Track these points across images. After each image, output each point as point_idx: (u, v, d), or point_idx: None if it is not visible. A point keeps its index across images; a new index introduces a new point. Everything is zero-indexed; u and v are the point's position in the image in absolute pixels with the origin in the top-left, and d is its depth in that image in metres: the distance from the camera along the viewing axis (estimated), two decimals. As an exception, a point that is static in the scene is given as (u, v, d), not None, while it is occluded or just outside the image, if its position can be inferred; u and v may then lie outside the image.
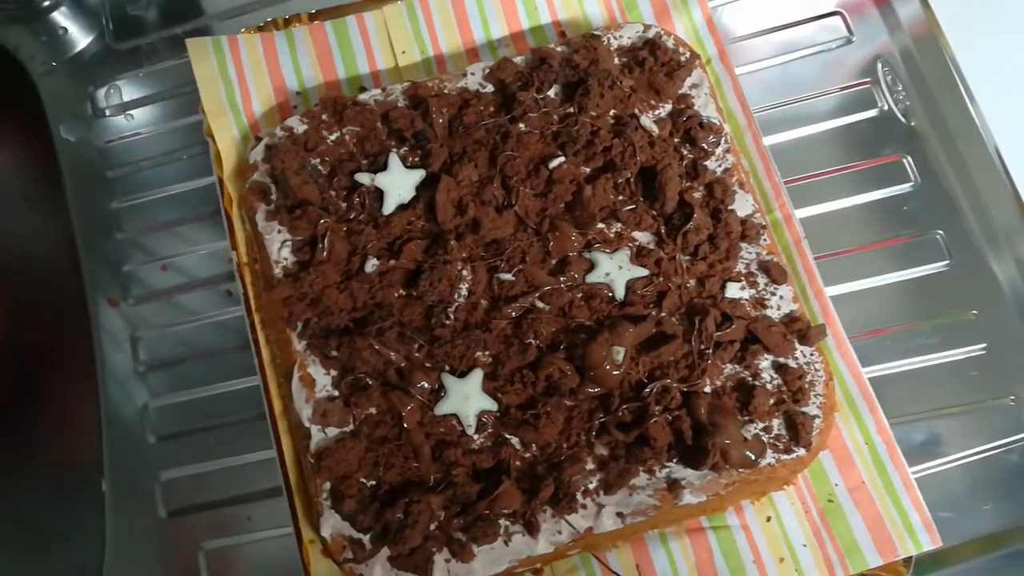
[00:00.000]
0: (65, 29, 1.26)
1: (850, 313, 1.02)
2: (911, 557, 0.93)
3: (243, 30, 1.16)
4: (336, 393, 0.92)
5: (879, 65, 1.19)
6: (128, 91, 1.24)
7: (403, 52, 1.15)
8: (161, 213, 1.17)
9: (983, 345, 1.07)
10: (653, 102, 1.04)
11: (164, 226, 1.17)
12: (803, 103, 1.18)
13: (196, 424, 1.07)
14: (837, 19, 1.23)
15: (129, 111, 1.23)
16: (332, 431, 0.91)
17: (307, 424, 0.91)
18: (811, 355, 0.95)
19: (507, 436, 0.90)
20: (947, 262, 1.10)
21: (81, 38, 1.26)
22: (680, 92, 1.05)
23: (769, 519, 0.95)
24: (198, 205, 1.15)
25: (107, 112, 1.23)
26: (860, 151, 1.15)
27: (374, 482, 0.89)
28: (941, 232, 1.12)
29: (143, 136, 1.21)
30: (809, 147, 1.16)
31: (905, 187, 1.14)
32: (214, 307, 1.11)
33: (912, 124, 1.16)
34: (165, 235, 1.16)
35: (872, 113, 1.17)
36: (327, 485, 0.89)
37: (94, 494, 1.03)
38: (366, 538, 0.87)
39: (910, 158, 1.15)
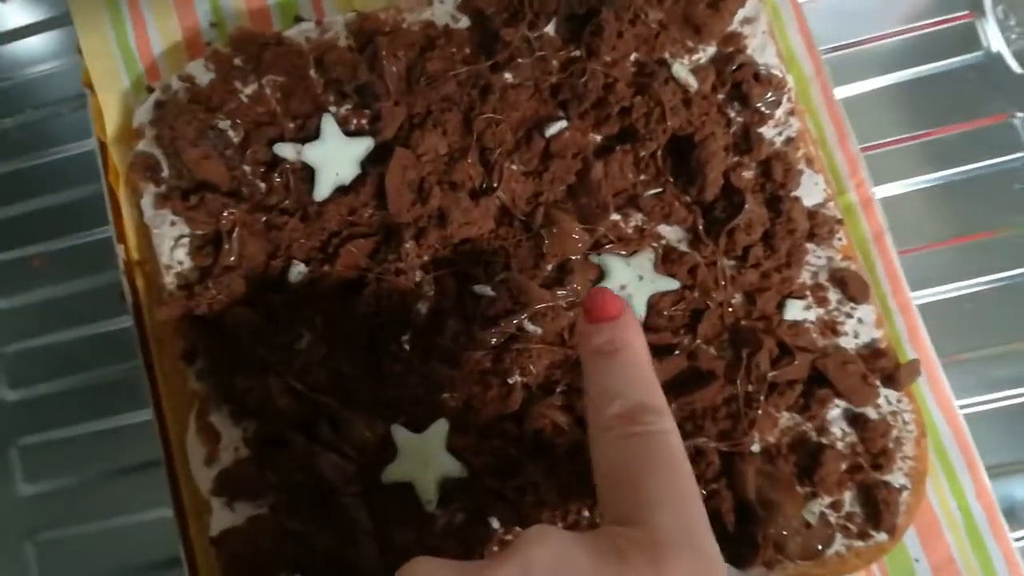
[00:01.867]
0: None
1: (939, 329, 0.84)
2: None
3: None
4: (248, 451, 0.74)
5: None
6: None
7: None
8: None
9: None
10: (690, 44, 0.83)
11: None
12: (881, 43, 0.98)
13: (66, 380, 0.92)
14: None
15: None
16: (243, 507, 0.73)
17: (206, 496, 0.73)
18: (898, 402, 0.77)
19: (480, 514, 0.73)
20: None
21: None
22: (728, 30, 0.83)
23: None
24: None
25: None
26: (957, 108, 0.96)
27: None
28: None
29: (11, 83, 1.00)
30: (887, 103, 0.97)
31: (1017, 158, 0.94)
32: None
33: None
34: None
35: (975, 57, 0.97)
36: None
37: None
38: None
39: None
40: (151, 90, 0.82)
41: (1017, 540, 0.80)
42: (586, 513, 0.72)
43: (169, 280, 0.76)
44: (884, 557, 0.78)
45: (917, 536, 0.80)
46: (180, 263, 0.77)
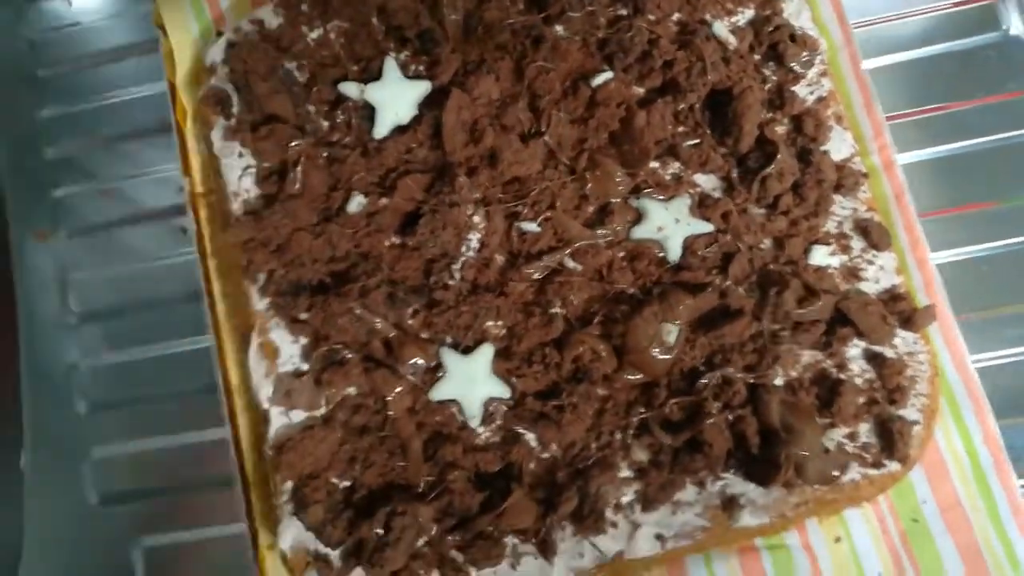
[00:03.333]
0: None
1: (952, 288, 0.88)
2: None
3: None
4: (305, 367, 0.81)
5: None
6: None
7: None
8: (104, 126, 1.03)
9: None
10: (730, 5, 0.89)
11: (107, 142, 1.03)
12: (906, 21, 1.02)
13: (136, 392, 0.95)
14: None
15: None
16: (298, 415, 0.79)
17: (266, 405, 0.78)
18: (914, 343, 0.82)
19: (521, 432, 0.79)
20: None
21: (10, -100, 1.12)
22: None
23: (839, 540, 0.83)
24: (150, 118, 1.00)
25: None
26: (978, 84, 1.00)
27: (348, 484, 0.78)
28: None
29: (85, 27, 1.06)
30: (913, 76, 1.01)
31: None
32: (164, 246, 0.98)
33: None
34: (108, 153, 1.03)
35: (994, 36, 1.02)
36: (288, 485, 0.77)
37: (10, 473, 0.93)
38: (335, 554, 0.77)
39: None
40: (220, 34, 0.88)
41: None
42: (618, 435, 0.78)
43: (236, 207, 0.82)
44: (893, 499, 0.83)
45: (925, 477, 0.83)
46: (247, 191, 0.83)
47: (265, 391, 0.78)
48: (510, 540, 0.77)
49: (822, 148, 0.84)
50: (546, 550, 0.76)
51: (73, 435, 0.93)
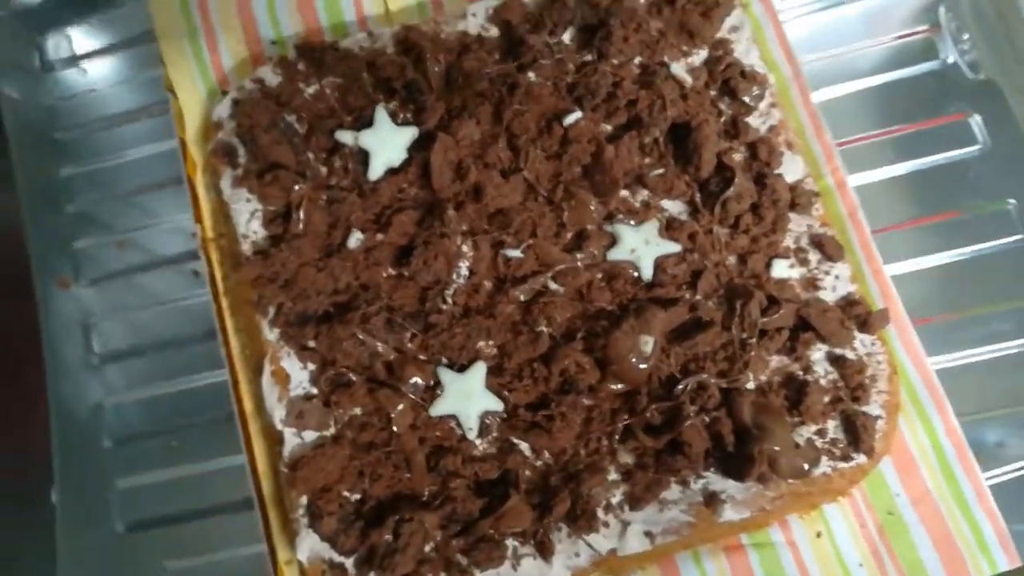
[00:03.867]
0: (10, -29, 1.18)
1: (910, 296, 0.93)
2: (984, 578, 0.85)
3: (210, -31, 1.06)
4: (314, 391, 0.85)
5: (942, 10, 1.10)
6: (81, 41, 1.15)
7: None
8: (119, 181, 1.09)
9: None
10: (686, 48, 0.95)
11: (121, 196, 1.09)
12: (852, 55, 1.10)
13: (157, 425, 1.00)
14: None
15: (82, 64, 1.15)
16: (310, 435, 0.83)
17: (280, 427, 0.83)
18: (872, 345, 0.87)
19: (515, 441, 0.83)
20: (1020, 236, 1.02)
21: (29, -19, 1.18)
22: (718, 36, 0.95)
23: (819, 535, 0.87)
24: (160, 172, 1.06)
25: (57, 65, 1.15)
26: (919, 110, 1.07)
27: (358, 496, 0.82)
28: (1013, 202, 1.03)
29: (99, 93, 1.13)
30: (860, 105, 1.08)
31: (971, 151, 1.05)
32: (178, 290, 1.03)
33: (980, 78, 1.07)
34: (123, 206, 1.08)
35: (933, 65, 1.09)
36: (303, 500, 0.81)
37: (42, 506, 0.95)
38: (349, 562, 0.80)
39: (977, 117, 1.06)
40: (225, 93, 0.94)
41: (988, 479, 0.88)
42: (605, 441, 0.82)
43: (246, 247, 0.87)
44: (869, 494, 0.87)
45: (896, 472, 0.87)
46: (255, 232, 0.88)
47: (279, 414, 0.82)
48: (510, 542, 0.80)
49: (776, 171, 0.89)
50: (544, 550, 0.79)
51: (99, 468, 0.96)
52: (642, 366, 0.82)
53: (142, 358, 1.01)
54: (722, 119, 0.92)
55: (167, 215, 1.06)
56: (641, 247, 0.87)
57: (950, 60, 1.08)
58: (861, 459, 0.82)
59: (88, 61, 1.14)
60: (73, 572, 0.94)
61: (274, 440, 0.84)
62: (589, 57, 0.93)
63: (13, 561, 0.95)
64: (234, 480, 0.91)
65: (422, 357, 0.84)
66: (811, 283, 0.88)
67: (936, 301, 1.00)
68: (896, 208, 1.03)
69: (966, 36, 1.08)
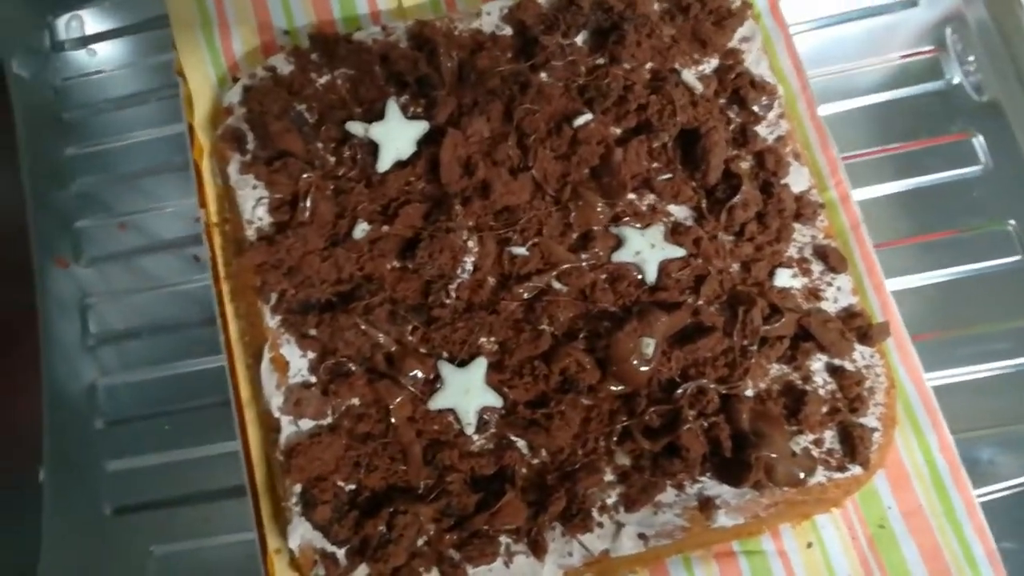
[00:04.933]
0: (23, -49, 1.18)
1: (908, 311, 0.93)
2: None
3: (226, -44, 1.06)
4: (313, 379, 0.84)
5: (948, 31, 1.11)
6: (92, 22, 1.15)
7: None
8: (123, 163, 1.08)
9: None
10: (697, 56, 0.96)
11: (125, 179, 1.09)
12: (860, 71, 1.11)
13: (151, 408, 0.99)
14: None
15: (92, 45, 1.14)
16: (306, 424, 0.83)
17: (277, 414, 0.82)
18: (871, 357, 0.87)
19: (513, 438, 0.83)
20: (1019, 257, 1.03)
21: (41, -40, 1.18)
22: (729, 46, 0.96)
23: (810, 545, 0.87)
24: (166, 156, 1.06)
25: (67, 46, 1.15)
26: (923, 128, 1.08)
27: (353, 486, 0.81)
28: (1013, 222, 1.04)
29: (106, 75, 1.13)
30: (864, 122, 1.09)
31: (974, 170, 1.06)
32: (178, 274, 1.03)
33: (984, 99, 1.08)
34: (126, 189, 1.08)
35: (938, 85, 1.10)
36: (297, 488, 0.80)
37: (30, 485, 0.95)
38: (341, 552, 0.80)
39: (981, 137, 1.07)
40: (237, 80, 0.94)
41: (980, 496, 0.88)
42: (602, 441, 0.82)
43: (250, 233, 0.87)
44: (861, 506, 0.86)
45: (888, 485, 0.87)
46: (260, 219, 0.88)
47: (276, 401, 0.82)
48: (504, 539, 0.79)
49: (782, 181, 0.90)
50: (537, 548, 0.79)
51: (90, 449, 0.96)
52: (643, 368, 0.82)
53: (138, 341, 1.01)
54: (731, 127, 0.92)
55: (169, 199, 1.06)
56: (646, 250, 0.87)
57: (955, 81, 1.09)
58: (856, 470, 0.82)
59: (98, 43, 1.13)
60: (58, 553, 0.93)
61: (270, 427, 0.83)
62: (601, 60, 0.93)
63: (-3, 538, 0.95)
64: (225, 467, 0.91)
65: (423, 350, 0.84)
66: (813, 293, 0.88)
67: (934, 318, 1.00)
68: (897, 224, 1.04)
69: (971, 58, 1.09)
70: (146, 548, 0.93)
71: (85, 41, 1.14)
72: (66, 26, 1.14)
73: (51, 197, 1.06)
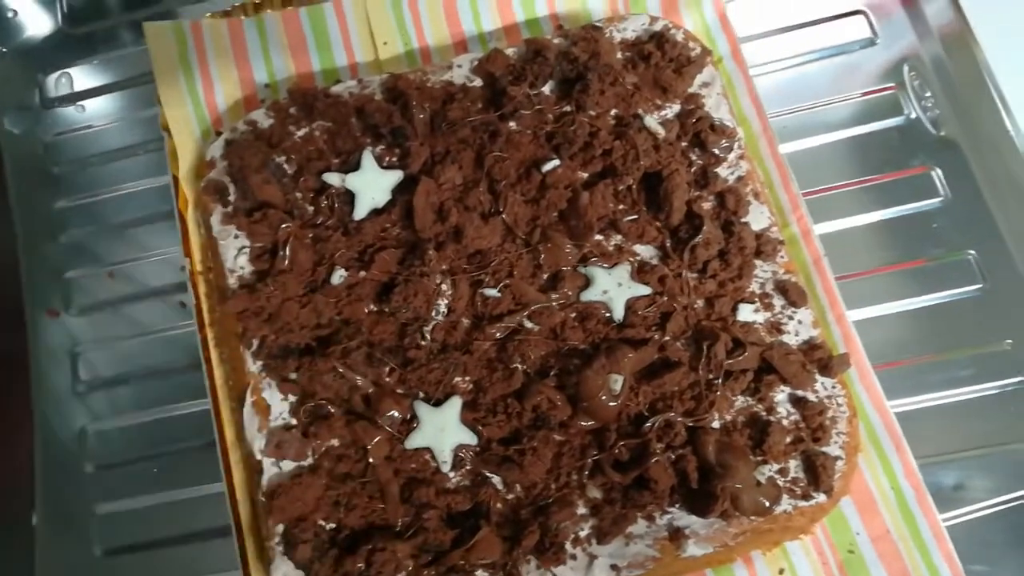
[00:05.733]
0: (15, 11, 1.20)
1: (872, 341, 0.95)
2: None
3: (208, 15, 1.09)
4: (294, 422, 0.86)
5: (906, 69, 1.15)
6: (81, 80, 1.18)
7: (385, 43, 1.08)
8: (111, 214, 1.11)
9: (1021, 378, 1.01)
10: (659, 101, 0.98)
11: (113, 229, 1.11)
12: (822, 109, 1.14)
13: (139, 452, 1.01)
14: (860, 18, 1.18)
15: (81, 102, 1.18)
16: (288, 465, 0.84)
17: (259, 456, 0.84)
18: (833, 388, 0.89)
19: (487, 475, 0.84)
20: (980, 286, 1.05)
21: (32, 21, 1.20)
22: (689, 91, 0.99)
23: (782, 572, 0.88)
24: (152, 207, 1.09)
25: (56, 102, 1.18)
26: (884, 162, 1.11)
27: (333, 525, 0.83)
28: (973, 252, 1.07)
29: (95, 130, 1.16)
30: (828, 157, 1.12)
31: (934, 203, 1.09)
32: (165, 320, 1.06)
33: (942, 134, 1.11)
34: (114, 239, 1.10)
35: (898, 121, 1.13)
36: (280, 528, 0.82)
37: (23, 527, 0.96)
38: None
39: (939, 171, 1.10)
40: (219, 134, 0.97)
41: (946, 520, 0.90)
42: (574, 475, 0.83)
43: (232, 282, 0.89)
44: (831, 532, 0.88)
45: (856, 511, 0.89)
46: (242, 268, 0.90)
47: (258, 443, 0.83)
48: (480, 574, 0.80)
49: (743, 220, 0.92)
50: None
51: (81, 493, 0.97)
52: (612, 404, 0.84)
53: (127, 386, 1.03)
54: (692, 169, 0.94)
55: (156, 248, 1.08)
56: (613, 289, 0.89)
57: (913, 116, 1.12)
58: (821, 498, 0.84)
59: (86, 99, 1.16)
60: None
61: (253, 469, 0.85)
62: (567, 108, 0.95)
63: (-10, 581, 0.96)
64: (211, 508, 0.92)
65: (399, 391, 0.85)
66: (775, 327, 0.90)
67: (898, 346, 1.02)
68: (862, 256, 1.06)
69: (928, 94, 1.13)
70: (135, 588, 0.94)
71: (74, 98, 1.17)
72: (55, 83, 1.17)
73: (42, 248, 1.09)
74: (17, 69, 1.17)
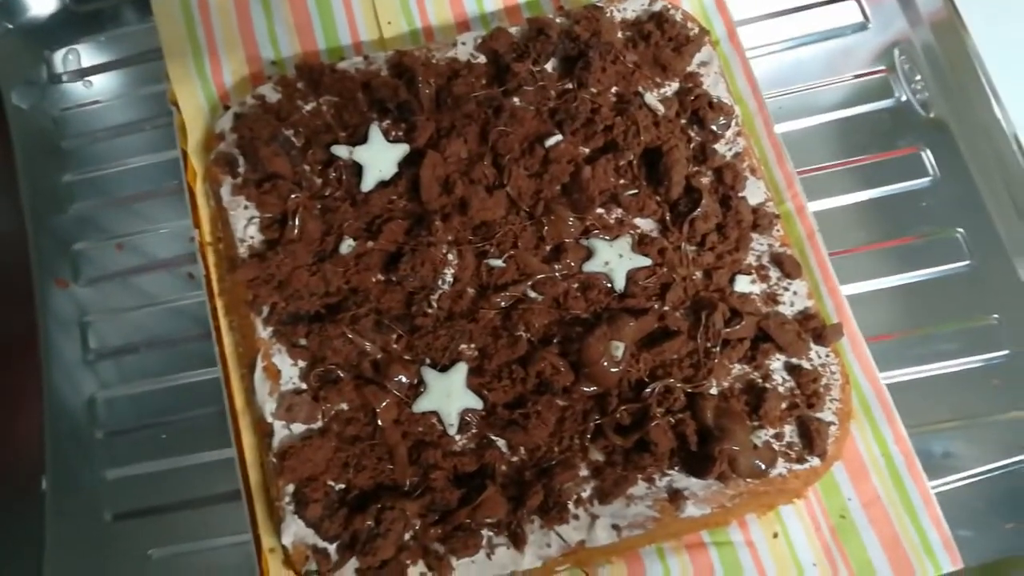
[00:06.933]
0: (21, -12, 1.20)
1: (863, 315, 0.97)
2: (928, 579, 0.88)
3: (215, -7, 1.09)
4: (304, 386, 0.87)
5: (896, 52, 1.16)
6: (88, 56, 1.18)
7: (389, 23, 1.09)
8: (119, 188, 1.11)
9: (1006, 352, 1.03)
10: (659, 79, 1.00)
11: (122, 202, 1.11)
12: (815, 91, 1.15)
13: (148, 419, 1.01)
14: (852, 4, 1.19)
15: (88, 77, 1.17)
16: (298, 428, 0.86)
17: (270, 419, 0.85)
18: (826, 356, 0.91)
19: (493, 438, 0.86)
20: (967, 262, 1.07)
21: (38, -1, 1.20)
22: (688, 70, 1.01)
23: (776, 535, 0.90)
24: (160, 180, 1.09)
25: (64, 78, 1.17)
26: (875, 143, 1.12)
27: (343, 486, 0.84)
28: (961, 230, 1.08)
29: (102, 105, 1.15)
30: (821, 138, 1.13)
31: (923, 182, 1.10)
32: (173, 291, 1.05)
33: (931, 115, 1.13)
34: (122, 211, 1.10)
35: (888, 103, 1.14)
36: (290, 488, 0.83)
37: (33, 494, 0.97)
38: (332, 548, 0.82)
39: (928, 151, 1.11)
40: (227, 108, 0.98)
41: (934, 487, 0.92)
42: (577, 439, 0.85)
43: (242, 251, 0.90)
44: (823, 497, 0.90)
45: (848, 477, 0.91)
46: (251, 238, 0.91)
47: (269, 407, 0.84)
48: (486, 532, 0.82)
49: (740, 195, 0.93)
50: (517, 540, 0.82)
51: (90, 459, 0.98)
52: (613, 370, 0.85)
53: (136, 355, 1.03)
54: (691, 145, 0.96)
55: (164, 221, 1.08)
56: (615, 260, 0.90)
57: (903, 99, 1.13)
58: (815, 462, 0.86)
59: (94, 75, 1.16)
60: (60, 558, 0.95)
61: (263, 433, 0.86)
62: (570, 85, 0.97)
63: (1, 546, 0.96)
64: (220, 473, 0.94)
65: (407, 357, 0.87)
66: (771, 298, 0.92)
67: (889, 320, 1.04)
68: (853, 233, 1.07)
69: (918, 77, 1.14)
70: (145, 552, 0.95)
71: (82, 73, 1.17)
72: (63, 60, 1.17)
73: (50, 221, 1.09)
74: (24, 45, 1.17)
